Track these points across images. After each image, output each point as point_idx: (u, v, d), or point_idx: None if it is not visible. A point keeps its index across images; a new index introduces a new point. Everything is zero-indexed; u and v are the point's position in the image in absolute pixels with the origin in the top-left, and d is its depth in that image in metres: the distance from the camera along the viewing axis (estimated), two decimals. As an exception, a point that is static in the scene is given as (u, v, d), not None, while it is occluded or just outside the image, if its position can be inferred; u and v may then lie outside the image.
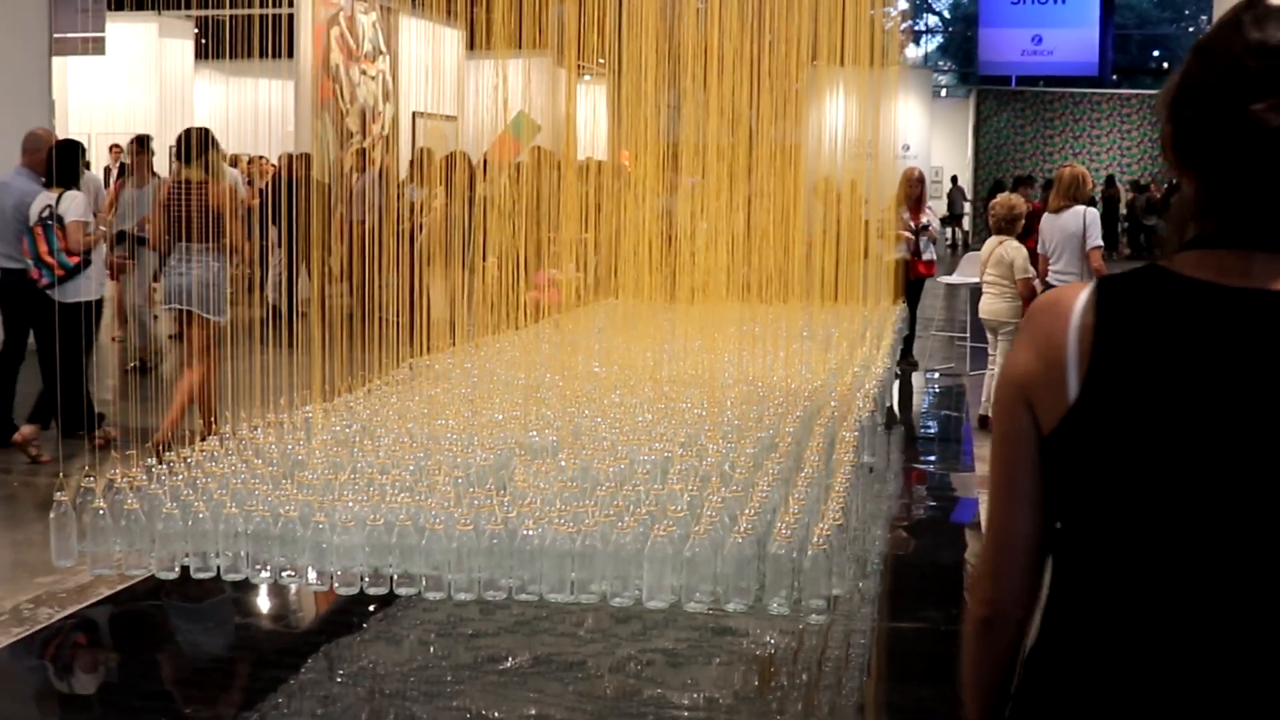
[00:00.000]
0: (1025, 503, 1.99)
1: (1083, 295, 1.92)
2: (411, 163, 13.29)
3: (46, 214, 9.33)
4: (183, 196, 8.90)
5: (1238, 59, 1.84)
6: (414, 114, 19.81)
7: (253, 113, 9.95)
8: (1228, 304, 1.83)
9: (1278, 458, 1.76)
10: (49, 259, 9.23)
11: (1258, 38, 1.83)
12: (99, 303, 9.76)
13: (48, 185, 9.57)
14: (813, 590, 4.77)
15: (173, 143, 9.51)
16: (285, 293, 10.97)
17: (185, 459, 5.82)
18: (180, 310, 8.98)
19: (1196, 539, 1.80)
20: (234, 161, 18.38)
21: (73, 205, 9.41)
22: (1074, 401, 1.88)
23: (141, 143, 12.13)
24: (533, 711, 5.27)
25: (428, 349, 8.23)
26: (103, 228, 9.63)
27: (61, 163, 9.48)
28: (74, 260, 9.28)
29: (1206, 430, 1.79)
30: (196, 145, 9.04)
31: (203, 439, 6.63)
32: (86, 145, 20.44)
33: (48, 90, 15.00)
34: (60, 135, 16.74)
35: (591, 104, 15.92)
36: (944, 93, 41.93)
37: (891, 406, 11.31)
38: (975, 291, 12.04)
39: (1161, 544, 1.83)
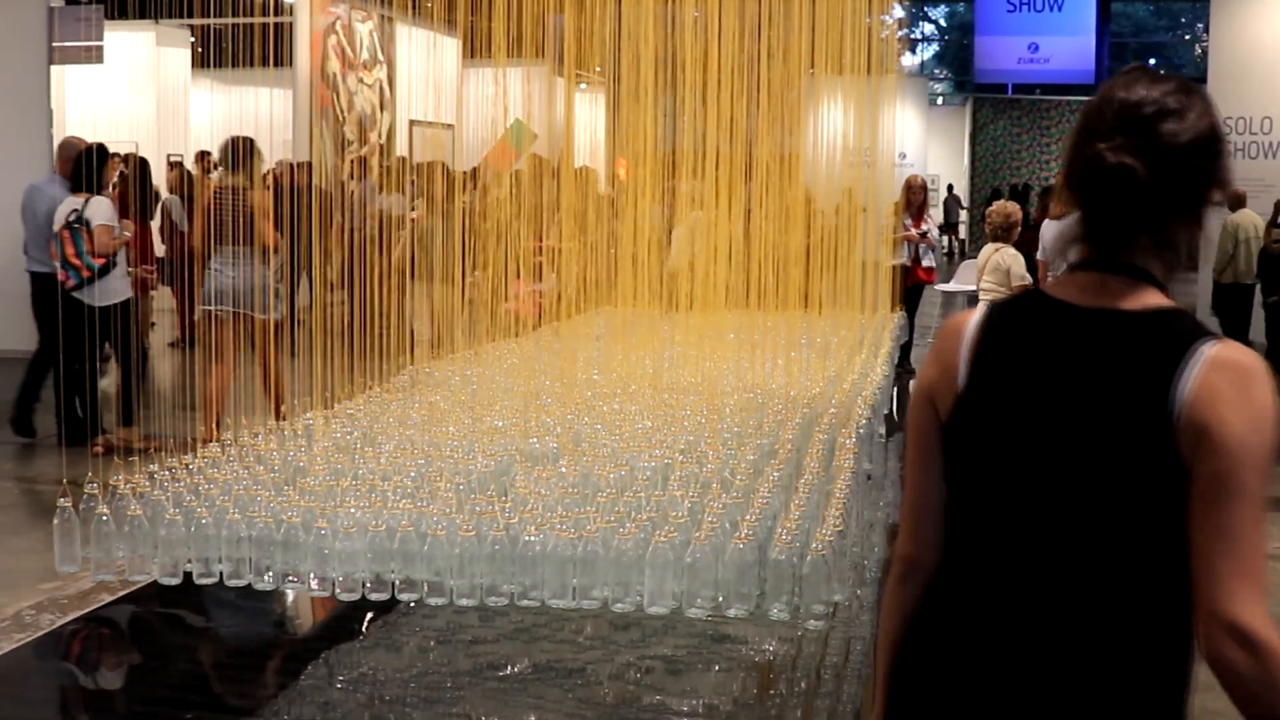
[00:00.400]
0: (932, 478, 2.44)
1: (975, 316, 2.42)
2: (379, 172, 13.23)
3: (73, 218, 9.52)
4: (227, 202, 9.16)
5: (1102, 111, 2.28)
6: (411, 122, 19.84)
7: (250, 121, 10.01)
8: (1078, 320, 2.29)
9: (1090, 442, 2.20)
10: (76, 261, 9.43)
11: (1121, 95, 2.27)
12: (127, 303, 9.94)
13: (74, 190, 9.77)
14: (813, 596, 4.79)
15: (170, 151, 9.80)
16: (286, 301, 11.02)
17: (187, 465, 5.84)
18: (227, 311, 9.18)
19: (1024, 507, 2.27)
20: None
21: (100, 210, 9.60)
22: (960, 394, 2.37)
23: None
24: (532, 718, 5.29)
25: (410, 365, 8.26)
26: (126, 234, 9.79)
27: (88, 168, 9.68)
28: (100, 263, 9.49)
29: (1043, 418, 2.26)
30: (240, 153, 9.33)
31: (204, 444, 6.67)
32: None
33: (46, 98, 15.04)
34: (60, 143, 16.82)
35: (589, 112, 15.94)
36: (940, 101, 41.97)
37: (890, 414, 11.34)
38: (972, 299, 12.08)
39: (1000, 508, 2.31)
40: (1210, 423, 2.12)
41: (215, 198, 9.36)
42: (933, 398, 2.42)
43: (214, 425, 8.63)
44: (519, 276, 9.12)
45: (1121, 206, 2.25)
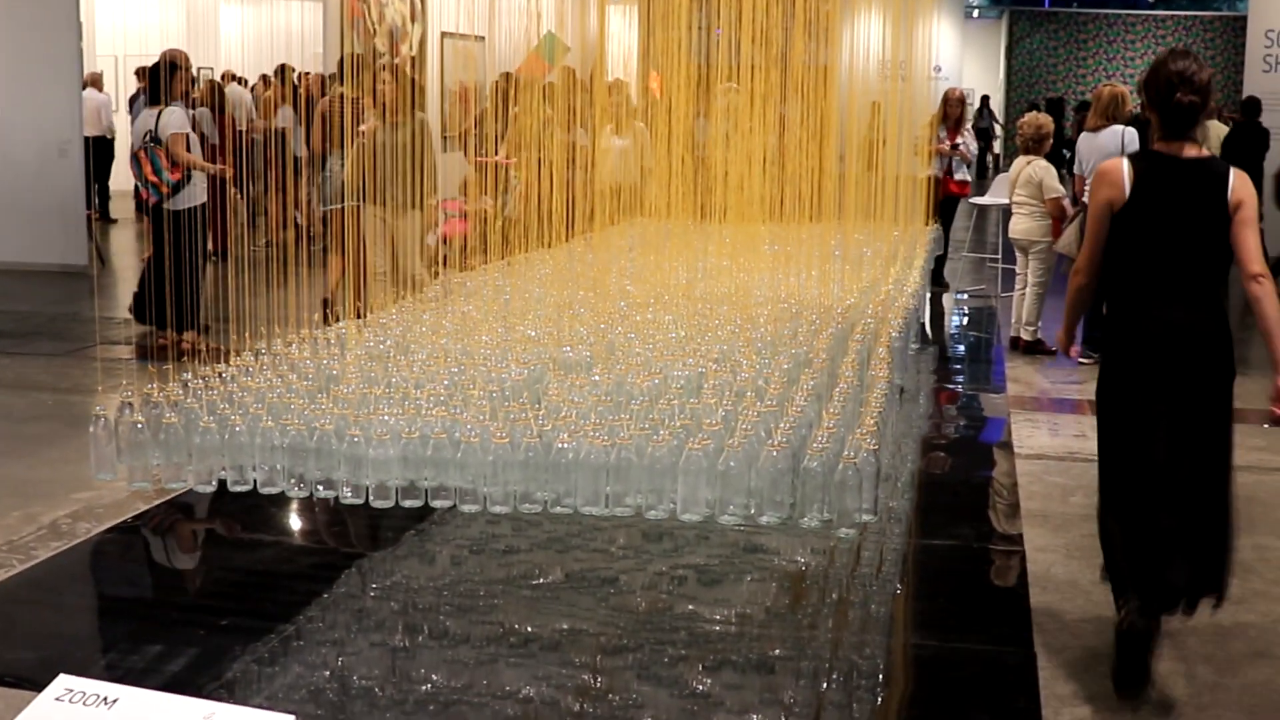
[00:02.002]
0: (1101, 241, 4.98)
1: (1124, 162, 4.94)
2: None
3: (148, 137, 9.87)
4: (338, 110, 9.77)
5: (1169, 76, 4.86)
6: (442, 34, 19.71)
7: (280, 34, 10.15)
8: (1170, 162, 4.89)
9: (1195, 210, 4.82)
10: (154, 179, 9.88)
11: (1176, 67, 4.86)
12: (202, 208, 10.20)
13: (150, 103, 10.22)
14: (846, 505, 4.78)
15: (200, 65, 10.10)
16: (318, 215, 11.08)
17: (220, 374, 5.84)
18: (345, 206, 9.53)
19: (1152, 246, 4.87)
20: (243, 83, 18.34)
21: (171, 119, 9.92)
22: (1127, 199, 4.85)
23: None
24: (565, 626, 5.31)
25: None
26: (220, 168, 10.35)
27: (156, 81, 10.11)
28: (176, 177, 9.89)
29: (1157, 209, 4.84)
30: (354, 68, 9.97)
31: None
32: (113, 67, 20.47)
33: (76, 11, 14.96)
34: (88, 57, 16.81)
35: (622, 25, 15.78)
36: (976, 14, 41.39)
37: (923, 327, 11.28)
38: (1006, 213, 11.99)
39: (1142, 248, 4.89)
40: (1243, 197, 4.83)
41: (328, 106, 10.03)
42: (1111, 203, 4.92)
43: (339, 308, 8.87)
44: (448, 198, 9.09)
45: (1188, 120, 4.91)
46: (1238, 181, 4.86)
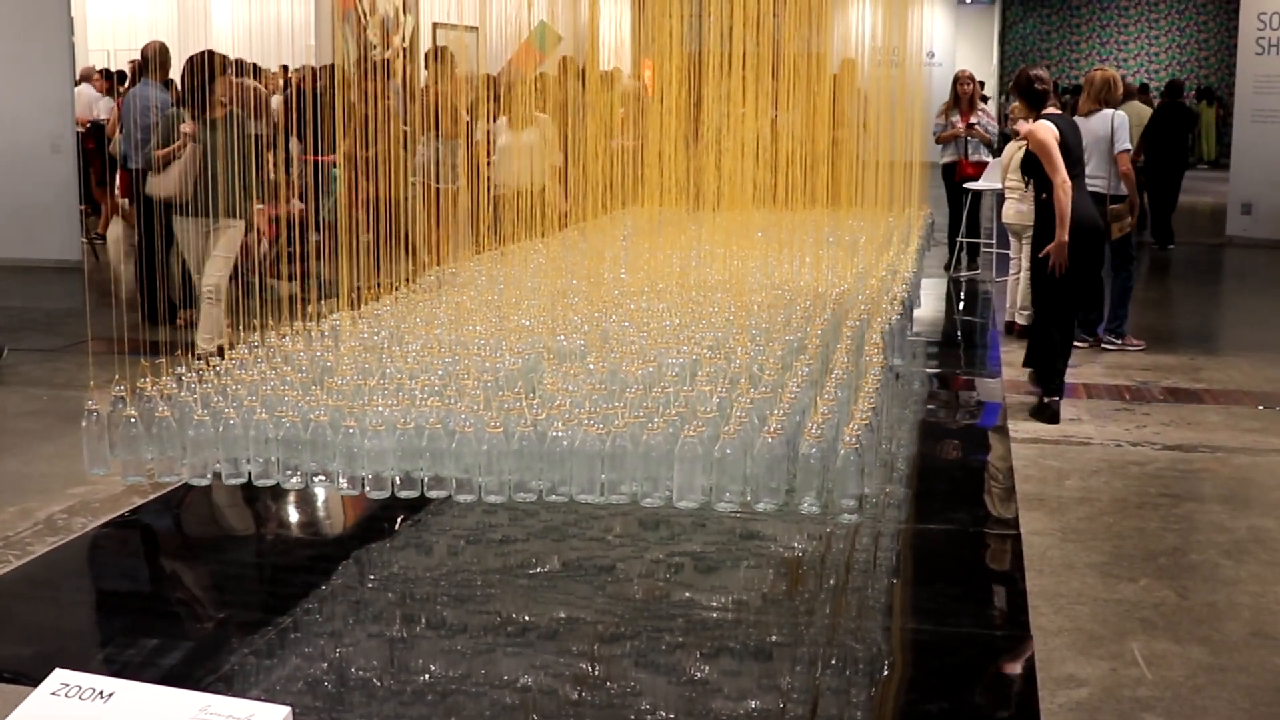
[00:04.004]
0: (1060, 158, 8.44)
1: (1045, 121, 8.58)
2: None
3: None
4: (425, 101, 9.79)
5: (1029, 76, 8.96)
6: (434, 25, 19.68)
7: (271, 26, 10.07)
8: (1057, 118, 8.66)
9: (1075, 145, 8.71)
10: None
11: (1033, 73, 8.96)
12: None
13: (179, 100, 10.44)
14: (843, 490, 4.77)
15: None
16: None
17: (214, 367, 5.82)
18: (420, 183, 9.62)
19: (1072, 162, 8.52)
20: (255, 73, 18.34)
21: None
22: (1063, 137, 8.45)
23: None
24: (562, 615, 5.31)
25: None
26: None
27: (196, 80, 10.46)
28: None
29: (1068, 141, 8.53)
30: (435, 58, 10.42)
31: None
32: (105, 61, 20.43)
33: (66, 6, 14.93)
34: (80, 51, 16.81)
35: (614, 11, 15.76)
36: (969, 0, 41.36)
37: (917, 311, 11.26)
38: (1000, 197, 11.98)
39: (1070, 163, 8.49)
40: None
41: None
42: (1057, 141, 8.33)
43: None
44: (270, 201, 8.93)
45: (1044, 99, 8.85)
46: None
